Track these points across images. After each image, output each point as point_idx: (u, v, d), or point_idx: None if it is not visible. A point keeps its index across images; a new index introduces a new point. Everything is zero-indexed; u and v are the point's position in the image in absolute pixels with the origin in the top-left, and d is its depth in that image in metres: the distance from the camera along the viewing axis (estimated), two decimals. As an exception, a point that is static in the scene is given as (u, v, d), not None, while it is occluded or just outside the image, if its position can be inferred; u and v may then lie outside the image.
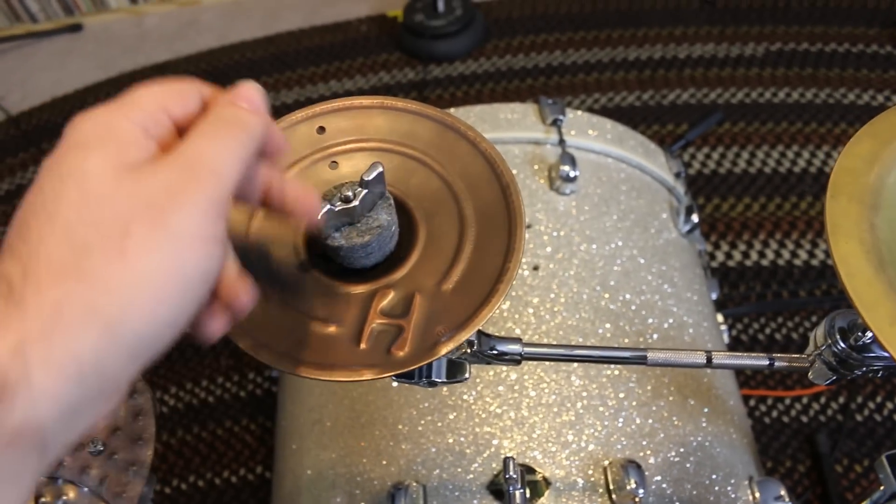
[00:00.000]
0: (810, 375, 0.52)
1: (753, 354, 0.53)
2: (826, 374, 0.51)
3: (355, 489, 0.69)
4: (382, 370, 0.38)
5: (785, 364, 0.52)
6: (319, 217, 0.38)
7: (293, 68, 1.92)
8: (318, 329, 0.40)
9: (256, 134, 0.35)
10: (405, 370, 0.38)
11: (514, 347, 0.51)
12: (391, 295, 0.40)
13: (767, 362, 0.52)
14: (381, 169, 0.38)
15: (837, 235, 0.40)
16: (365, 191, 0.38)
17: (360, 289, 0.41)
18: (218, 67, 1.96)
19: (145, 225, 0.30)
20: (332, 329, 0.40)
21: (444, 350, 0.38)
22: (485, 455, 0.66)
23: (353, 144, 0.44)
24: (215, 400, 1.35)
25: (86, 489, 0.47)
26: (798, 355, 0.53)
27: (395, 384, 0.71)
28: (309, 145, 0.45)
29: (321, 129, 0.45)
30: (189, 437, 1.32)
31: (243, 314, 0.36)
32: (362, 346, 0.39)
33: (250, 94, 0.37)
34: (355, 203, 0.38)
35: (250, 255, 0.42)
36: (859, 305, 0.37)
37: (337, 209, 0.38)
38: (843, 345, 0.49)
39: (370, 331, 0.39)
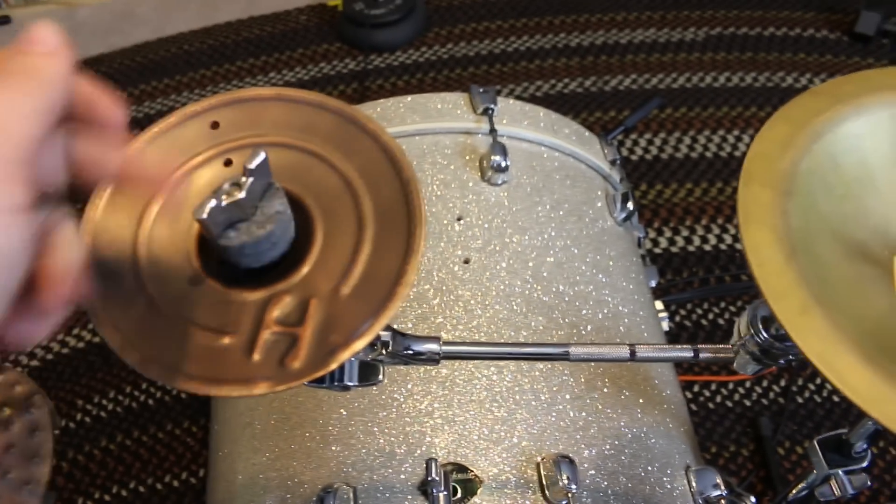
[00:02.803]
0: (735, 366, 0.51)
1: (678, 346, 0.52)
2: (750, 363, 0.51)
3: (286, 493, 0.67)
4: (276, 383, 0.36)
5: (710, 355, 0.52)
6: (206, 214, 0.35)
7: (232, 60, 1.88)
8: (209, 340, 0.37)
9: (55, 81, 0.31)
10: (299, 382, 0.36)
11: (431, 347, 0.49)
12: (286, 301, 0.38)
13: (692, 354, 0.51)
14: (264, 155, 0.36)
15: (749, 223, 0.39)
16: (251, 179, 0.35)
17: (254, 295, 0.38)
18: (154, 61, 1.91)
19: None
20: (223, 340, 0.37)
21: (340, 359, 0.36)
22: (416, 455, 0.65)
23: (248, 140, 0.42)
24: (155, 403, 1.32)
25: (-25, 512, 0.44)
26: (723, 346, 0.52)
27: (322, 385, 0.69)
28: (202, 142, 0.42)
29: (215, 125, 0.42)
30: (129, 442, 1.28)
31: (62, 314, 0.33)
32: (255, 357, 0.37)
33: (43, 35, 0.31)
34: (242, 194, 0.35)
35: (138, 263, 0.40)
36: (769, 295, 0.36)
37: (224, 203, 0.35)
38: (765, 335, 0.48)
39: (263, 341, 0.37)
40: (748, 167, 0.41)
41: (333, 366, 0.36)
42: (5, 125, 0.29)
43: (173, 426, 1.29)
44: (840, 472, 0.66)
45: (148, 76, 1.88)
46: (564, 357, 0.50)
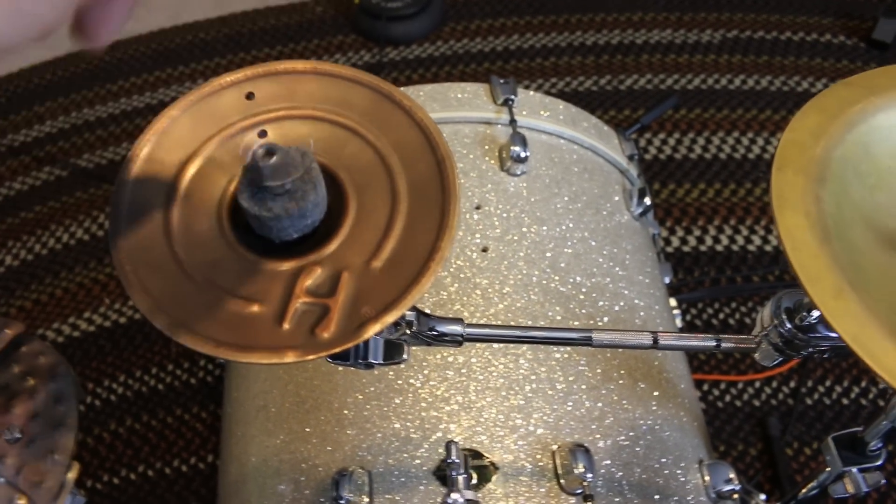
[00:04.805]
0: (757, 356, 0.52)
1: (700, 335, 0.52)
2: (772, 355, 0.51)
3: (300, 476, 0.67)
4: (305, 352, 0.36)
5: (732, 345, 0.52)
6: (250, 154, 0.35)
7: (247, 50, 1.88)
8: (239, 308, 0.38)
9: None
10: (328, 352, 0.36)
11: (455, 328, 0.49)
12: (318, 272, 0.38)
13: (714, 343, 0.51)
14: (311, 150, 0.36)
15: (783, 208, 0.39)
16: (289, 151, 0.36)
17: (285, 265, 0.39)
18: (169, 48, 1.91)
19: None
20: (254, 308, 0.38)
21: (370, 332, 0.36)
22: (431, 440, 0.65)
23: (283, 112, 0.42)
24: (164, 388, 1.32)
25: (1, 479, 0.44)
26: (745, 336, 0.52)
27: (340, 368, 0.69)
28: (237, 112, 0.42)
29: (250, 95, 0.43)
30: (138, 426, 1.29)
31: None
32: (285, 326, 0.37)
33: None
34: (275, 160, 0.35)
35: (171, 228, 0.40)
36: (803, 278, 0.36)
37: (262, 156, 0.35)
38: (789, 325, 0.48)
39: (294, 310, 0.37)
40: (781, 153, 0.41)
41: (364, 337, 0.36)
42: None
43: (182, 411, 1.29)
44: (854, 470, 0.66)
45: (163, 63, 1.88)
46: (587, 342, 0.50)
